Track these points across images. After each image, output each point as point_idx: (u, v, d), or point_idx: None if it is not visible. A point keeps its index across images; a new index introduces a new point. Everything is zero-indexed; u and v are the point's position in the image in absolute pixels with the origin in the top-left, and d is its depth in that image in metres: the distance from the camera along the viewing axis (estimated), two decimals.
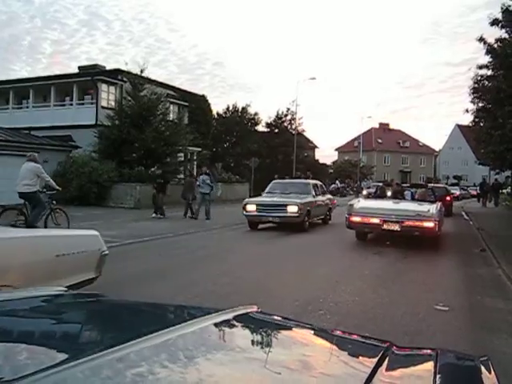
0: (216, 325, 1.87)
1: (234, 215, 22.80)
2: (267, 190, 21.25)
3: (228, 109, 55.63)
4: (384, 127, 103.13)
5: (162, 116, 31.53)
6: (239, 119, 54.39)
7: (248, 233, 18.57)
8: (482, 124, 27.87)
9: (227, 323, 1.93)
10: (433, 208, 14.79)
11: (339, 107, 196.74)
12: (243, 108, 55.37)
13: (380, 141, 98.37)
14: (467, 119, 30.61)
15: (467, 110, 25.79)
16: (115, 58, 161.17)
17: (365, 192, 32.31)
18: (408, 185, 20.61)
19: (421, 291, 9.14)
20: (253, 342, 1.86)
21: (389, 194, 17.71)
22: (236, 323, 1.97)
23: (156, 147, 29.07)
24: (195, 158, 39.36)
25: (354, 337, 2.10)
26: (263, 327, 2.08)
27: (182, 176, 33.35)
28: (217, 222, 20.97)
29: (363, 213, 14.96)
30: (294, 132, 54.66)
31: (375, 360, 1.59)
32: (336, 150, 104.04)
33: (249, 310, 2.14)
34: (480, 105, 25.11)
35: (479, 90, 23.62)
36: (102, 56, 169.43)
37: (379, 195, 17.61)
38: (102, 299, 2.45)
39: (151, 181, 24.52)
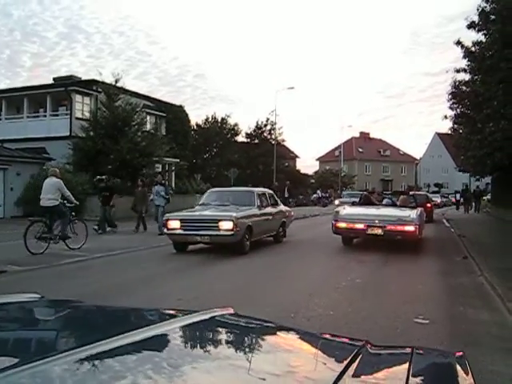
0: (190, 326, 1.87)
1: None
2: (201, 200, 17.16)
3: (207, 120, 55.45)
4: (365, 136, 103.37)
5: (138, 126, 30.94)
6: (219, 130, 54.31)
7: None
8: (461, 130, 27.60)
9: (202, 324, 1.93)
10: (413, 213, 15.60)
11: (320, 117, 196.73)
12: (223, 119, 55.27)
13: (361, 150, 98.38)
14: (447, 127, 30.29)
15: (446, 117, 25.54)
16: (96, 71, 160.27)
17: (337, 202, 32.23)
18: (390, 192, 22.06)
19: (400, 303, 8.58)
20: (228, 344, 1.87)
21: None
22: (211, 325, 1.98)
23: (131, 158, 28.45)
24: (173, 168, 38.76)
25: (330, 337, 2.09)
26: (238, 329, 2.10)
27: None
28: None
29: (348, 219, 15.83)
30: (273, 142, 54.26)
31: (348, 358, 1.58)
32: (317, 159, 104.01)
33: (224, 312, 2.16)
34: (458, 110, 24.82)
35: (457, 94, 23.30)
36: (83, 69, 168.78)
37: (363, 203, 18.16)
38: (76, 305, 2.43)
39: (97, 193, 22.62)
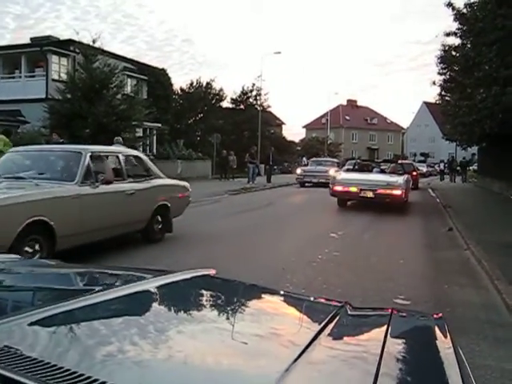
0: (170, 285, 1.89)
1: None
2: None
3: (192, 84, 54.05)
4: (352, 104, 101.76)
5: (117, 89, 29.68)
6: (203, 95, 52.94)
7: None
8: (448, 97, 26.75)
9: (183, 284, 1.97)
10: (400, 179, 17.62)
11: (307, 84, 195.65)
12: (207, 83, 53.81)
13: (348, 118, 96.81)
14: (434, 96, 29.45)
15: (434, 82, 24.82)
16: (82, 34, 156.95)
17: (299, 171, 32.54)
18: (381, 160, 24.69)
19: (380, 280, 7.85)
20: (209, 305, 1.89)
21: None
22: (192, 285, 2.04)
23: (108, 122, 27.31)
24: (154, 133, 37.88)
25: (312, 298, 2.17)
26: (220, 290, 2.11)
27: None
28: None
29: (344, 183, 17.79)
30: (259, 108, 53.20)
31: (326, 319, 1.60)
32: (304, 127, 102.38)
33: (206, 273, 2.20)
34: (447, 76, 23.97)
35: (447, 59, 22.44)
36: (69, 32, 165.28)
37: (357, 169, 20.46)
38: (51, 265, 2.44)
39: None
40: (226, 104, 56.93)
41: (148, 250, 9.83)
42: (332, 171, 28.18)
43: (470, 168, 52.38)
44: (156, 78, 40.05)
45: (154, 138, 38.05)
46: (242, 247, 10.51)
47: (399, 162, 24.94)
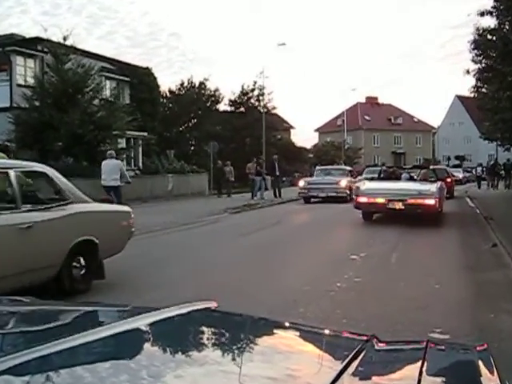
0: (164, 322, 1.90)
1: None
2: None
3: (182, 85, 54.18)
4: (372, 102, 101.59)
5: (93, 94, 29.87)
6: (196, 97, 53.06)
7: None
8: (486, 88, 26.55)
9: (179, 320, 1.98)
10: (433, 187, 17.99)
11: (318, 81, 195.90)
12: (201, 83, 53.97)
13: (368, 118, 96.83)
14: (469, 88, 28.99)
15: (468, 71, 24.54)
16: (52, 31, 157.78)
17: (301, 183, 30.95)
18: (409, 167, 25.11)
19: (411, 310, 7.64)
20: (212, 344, 1.89)
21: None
22: (191, 321, 2.07)
23: (84, 132, 27.29)
24: (140, 144, 37.93)
25: (331, 332, 2.20)
26: (224, 326, 2.13)
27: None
28: None
29: (369, 194, 18.15)
30: (262, 110, 53.17)
31: (350, 355, 1.60)
32: (316, 130, 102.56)
33: (206, 306, 2.21)
34: (483, 64, 23.80)
35: (482, 43, 22.26)
36: (36, 29, 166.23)
37: (383, 177, 20.94)
38: (30, 302, 2.43)
39: None
40: (223, 107, 57.02)
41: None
42: (344, 182, 28.62)
43: None
44: (140, 78, 40.13)
45: (140, 149, 38.08)
46: (244, 276, 10.27)
47: (431, 167, 25.47)
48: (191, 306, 2.12)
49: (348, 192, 27.81)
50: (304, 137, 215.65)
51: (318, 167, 35.80)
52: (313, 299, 8.23)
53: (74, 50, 29.75)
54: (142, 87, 39.89)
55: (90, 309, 2.45)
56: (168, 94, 52.98)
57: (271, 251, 13.41)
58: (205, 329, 2.09)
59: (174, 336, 1.90)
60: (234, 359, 1.67)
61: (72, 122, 27.19)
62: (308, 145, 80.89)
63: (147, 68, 42.52)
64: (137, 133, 36.02)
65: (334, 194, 28.14)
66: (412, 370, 1.58)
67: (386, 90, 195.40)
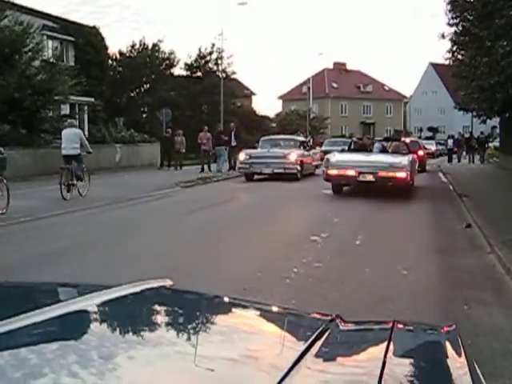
0: (116, 301, 1.90)
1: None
2: None
3: (134, 46, 53.37)
4: (340, 68, 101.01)
5: (32, 54, 29.05)
6: (149, 60, 52.40)
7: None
8: (462, 55, 26.34)
9: (132, 299, 1.99)
10: (405, 159, 18.66)
11: (282, 44, 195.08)
12: (154, 45, 53.30)
13: (335, 85, 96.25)
14: (444, 54, 28.73)
15: (443, 36, 24.30)
16: None
17: (242, 156, 27.44)
18: (381, 138, 25.82)
19: (375, 300, 7.32)
20: (167, 324, 1.91)
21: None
22: (144, 300, 2.09)
23: (22, 97, 26.52)
24: (85, 110, 37.37)
25: (294, 312, 2.41)
26: (180, 304, 2.17)
27: None
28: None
29: (339, 166, 18.82)
30: (221, 75, 52.60)
31: (313, 335, 1.64)
32: (279, 98, 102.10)
33: (160, 284, 2.24)
34: (460, 27, 23.56)
35: (458, 5, 21.99)
36: None
37: (354, 149, 21.62)
38: None
39: None
40: (178, 71, 56.36)
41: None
42: (294, 155, 25.96)
43: (490, 145, 52.39)
44: (86, 39, 39.46)
45: (86, 116, 37.54)
46: (188, 261, 9.80)
47: (403, 139, 26.10)
48: (145, 284, 2.13)
49: (299, 168, 26.04)
50: (267, 105, 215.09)
51: (263, 138, 31.21)
52: (266, 287, 7.87)
53: (11, 5, 28.85)
54: (88, 48, 39.17)
55: (38, 287, 2.46)
56: (118, 57, 52.23)
57: (221, 231, 13.11)
58: (159, 308, 2.11)
59: (126, 315, 1.91)
60: (190, 339, 1.69)
61: (8, 85, 26.47)
62: (271, 113, 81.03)
63: (94, 27, 41.71)
64: (82, 98, 35.51)
65: (280, 171, 25.73)
66: (377, 350, 1.62)
67: (355, 56, 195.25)
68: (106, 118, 38.87)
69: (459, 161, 45.29)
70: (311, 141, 47.96)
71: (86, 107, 37.52)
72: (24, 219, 14.21)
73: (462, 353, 1.61)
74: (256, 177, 26.54)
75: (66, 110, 33.93)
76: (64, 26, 38.53)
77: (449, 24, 23.94)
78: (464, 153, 47.21)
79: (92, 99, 36.96)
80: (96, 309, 1.85)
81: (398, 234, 12.76)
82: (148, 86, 52.91)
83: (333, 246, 11.02)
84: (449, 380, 1.48)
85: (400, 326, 1.88)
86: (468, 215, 15.06)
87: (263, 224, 13.93)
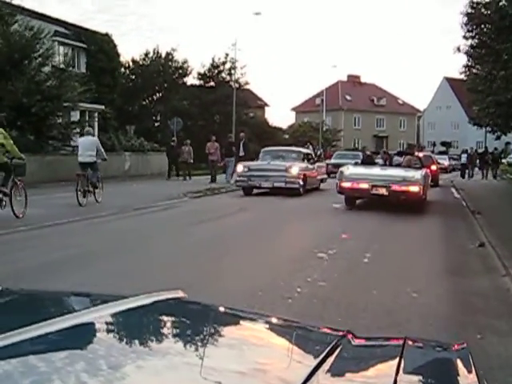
0: (126, 313, 1.90)
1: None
2: None
3: (147, 55, 53.06)
4: (354, 81, 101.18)
5: (42, 60, 28.78)
6: (162, 68, 52.08)
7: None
8: (477, 69, 25.81)
9: (142, 311, 1.98)
10: (418, 174, 18.79)
11: (297, 56, 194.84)
12: (168, 54, 52.96)
13: (349, 98, 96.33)
14: (459, 68, 28.36)
15: (458, 49, 23.83)
16: None
17: (240, 168, 25.43)
18: (395, 152, 25.07)
19: (382, 325, 6.83)
20: (176, 336, 1.92)
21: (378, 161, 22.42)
22: (154, 312, 2.08)
23: (30, 103, 26.25)
24: (96, 117, 37.04)
25: (304, 326, 2.28)
26: (190, 317, 2.18)
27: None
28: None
29: (353, 178, 19.03)
30: (234, 85, 52.28)
31: (324, 351, 1.64)
32: (293, 109, 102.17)
33: (172, 296, 2.22)
34: (476, 40, 23.05)
35: (475, 17, 21.48)
36: None
37: (367, 162, 21.89)
38: None
39: None
40: (191, 80, 56.04)
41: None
42: (296, 169, 24.01)
43: (504, 161, 51.80)
44: (98, 46, 39.26)
45: (96, 123, 37.06)
46: (187, 277, 9.31)
47: (416, 154, 26.68)
48: (157, 296, 2.13)
49: (301, 182, 24.10)
50: (280, 116, 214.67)
51: (264, 149, 28.47)
52: (266, 307, 7.33)
53: (22, 10, 28.60)
54: (100, 55, 39.01)
55: (51, 296, 2.45)
56: (131, 65, 51.98)
57: (226, 244, 12.71)
58: (170, 319, 2.12)
59: (137, 326, 1.93)
60: (199, 351, 1.68)
61: (16, 90, 26.26)
62: (284, 125, 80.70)
63: (107, 34, 41.51)
64: (92, 105, 35.20)
65: (281, 185, 23.68)
66: (388, 367, 1.62)
67: (369, 69, 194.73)
68: (116, 126, 38.61)
69: (471, 176, 44.56)
70: (322, 153, 47.60)
71: (96, 114, 37.20)
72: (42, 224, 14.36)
73: (473, 371, 1.61)
74: (256, 190, 25.15)
75: (75, 116, 33.65)
76: (76, 32, 38.43)
77: (465, 37, 23.40)
78: (476, 168, 46.46)
79: (102, 107, 36.66)
80: (108, 319, 1.84)
81: (408, 251, 12.24)
82: (161, 94, 52.56)
83: (340, 264, 10.52)
84: None
85: (411, 342, 1.89)
86: (481, 233, 14.55)
87: (269, 238, 13.51)
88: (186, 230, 14.74)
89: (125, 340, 1.76)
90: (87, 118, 35.99)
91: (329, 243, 12.42)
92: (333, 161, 38.92)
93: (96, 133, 36.20)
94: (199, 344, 1.78)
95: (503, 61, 19.01)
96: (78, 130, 32.49)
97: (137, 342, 1.74)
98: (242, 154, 31.08)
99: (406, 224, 16.09)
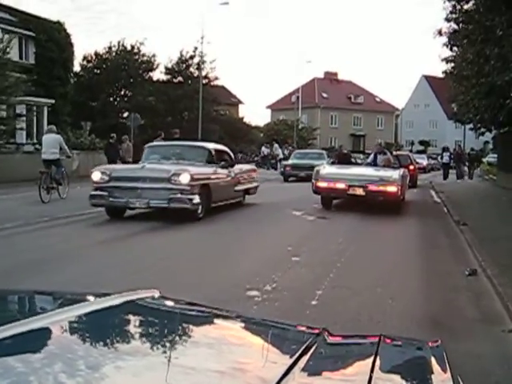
0: (101, 312, 1.90)
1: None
2: None
3: (111, 48, 49.86)
4: (331, 78, 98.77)
5: None
6: (127, 62, 48.91)
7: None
8: (464, 47, 22.72)
9: (118, 310, 1.99)
10: (396, 174, 18.10)
11: (272, 52, 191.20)
12: (132, 46, 49.90)
13: (325, 95, 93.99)
14: (441, 51, 26.19)
15: (440, 32, 21.25)
16: None
17: (96, 176, 15.00)
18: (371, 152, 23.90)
19: None
20: (152, 335, 1.91)
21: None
22: (130, 310, 2.07)
23: None
24: (44, 112, 34.23)
25: (279, 325, 2.30)
26: (165, 315, 2.22)
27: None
28: None
29: (329, 178, 18.25)
30: (200, 79, 49.80)
31: (299, 350, 1.67)
32: (268, 107, 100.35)
33: (148, 295, 2.23)
34: (461, 18, 20.19)
35: None
36: None
37: (342, 162, 21.02)
38: None
39: None
40: (159, 75, 53.70)
41: None
42: (186, 176, 14.66)
43: (484, 160, 49.89)
44: (48, 34, 36.12)
45: (45, 118, 34.29)
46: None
47: (394, 153, 26.74)
48: (133, 295, 2.13)
49: (197, 198, 14.96)
50: (256, 114, 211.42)
51: (150, 144, 19.46)
52: None
53: None
54: (50, 45, 35.86)
55: (27, 295, 2.43)
56: (94, 58, 49.10)
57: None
58: (147, 318, 2.12)
59: (114, 326, 1.92)
60: (178, 351, 1.68)
61: None
62: (261, 123, 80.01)
63: (58, 22, 38.21)
64: (39, 99, 32.63)
65: (161, 204, 15.02)
66: (364, 365, 1.64)
67: (347, 66, 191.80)
68: (70, 122, 35.73)
69: (460, 178, 39.87)
70: (289, 153, 44.30)
71: (45, 109, 34.44)
72: None
73: (448, 369, 1.66)
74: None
75: (22, 110, 31.47)
76: (24, 19, 35.37)
77: (447, 19, 20.83)
78: (465, 168, 42.53)
79: (52, 101, 33.78)
80: (83, 319, 1.80)
81: (374, 286, 8.77)
82: (126, 90, 49.62)
83: (279, 308, 7.24)
84: None
85: (387, 340, 1.93)
86: (470, 254, 11.41)
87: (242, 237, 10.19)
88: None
89: (101, 339, 1.69)
90: (35, 112, 33.59)
91: (272, 272, 9.16)
92: (290, 162, 35.43)
93: (44, 127, 33.62)
94: (178, 343, 1.77)
95: (497, 38, 16.03)
96: (22, 125, 29.83)
97: (113, 341, 1.71)
98: None
99: (377, 242, 12.87)
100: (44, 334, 1.58)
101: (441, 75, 32.03)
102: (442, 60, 26.82)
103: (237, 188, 18.45)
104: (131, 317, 2.03)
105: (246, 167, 21.57)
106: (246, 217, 16.98)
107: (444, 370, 1.63)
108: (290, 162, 35.57)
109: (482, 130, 31.63)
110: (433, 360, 1.71)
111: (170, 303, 2.24)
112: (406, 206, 19.51)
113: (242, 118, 67.80)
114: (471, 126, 33.62)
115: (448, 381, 1.56)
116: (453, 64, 27.99)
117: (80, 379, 1.32)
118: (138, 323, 2.03)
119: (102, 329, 1.82)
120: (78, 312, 1.77)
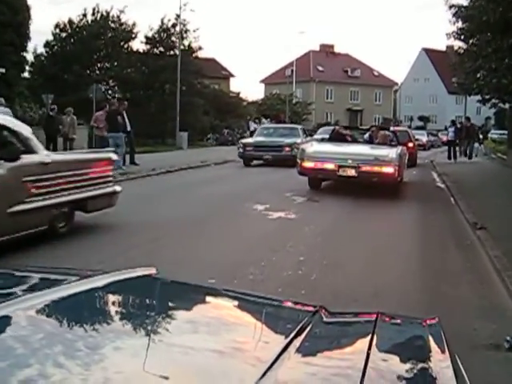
0: (98, 290, 1.91)
1: None
2: None
3: (85, 15, 46.34)
4: (327, 50, 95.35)
5: None
6: (103, 30, 45.25)
7: None
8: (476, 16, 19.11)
9: (114, 288, 1.98)
10: (393, 152, 16.79)
11: (267, 24, 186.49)
12: (108, 13, 46.66)
13: (321, 68, 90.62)
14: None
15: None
16: None
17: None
18: (366, 127, 23.50)
19: None
20: (150, 314, 1.90)
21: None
22: (126, 289, 2.05)
23: None
24: None
25: (277, 303, 2.28)
26: (163, 294, 2.15)
27: None
28: None
29: (317, 157, 16.96)
30: (179, 48, 46.04)
31: (297, 328, 1.64)
32: (262, 81, 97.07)
33: (145, 273, 2.21)
34: None
35: None
36: None
37: (335, 139, 19.28)
38: None
39: None
40: (138, 45, 50.67)
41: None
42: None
43: (489, 136, 46.47)
44: None
45: None
46: None
47: (391, 128, 24.75)
48: (130, 273, 2.11)
49: None
50: (250, 89, 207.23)
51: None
52: None
53: None
54: (1, 7, 31.66)
55: (22, 274, 2.35)
56: (68, 26, 45.64)
57: None
58: (144, 297, 2.06)
59: (111, 305, 1.92)
60: (175, 331, 1.67)
61: None
62: (255, 98, 77.18)
63: None
64: None
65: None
66: (361, 343, 1.61)
67: (343, 39, 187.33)
68: (27, 95, 32.37)
69: (470, 157, 34.02)
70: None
71: None
72: None
73: (445, 346, 1.63)
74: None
75: None
76: None
77: None
78: (475, 144, 35.80)
79: (2, 69, 29.83)
80: (79, 297, 1.76)
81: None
82: (103, 61, 46.21)
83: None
84: (432, 371, 1.49)
85: (384, 318, 1.90)
86: (499, 283, 7.23)
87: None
88: None
89: (98, 318, 1.68)
90: None
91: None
92: (253, 140, 28.20)
93: None
94: (175, 323, 1.73)
95: None
96: None
97: (110, 319, 1.71)
98: (129, 128, 22.75)
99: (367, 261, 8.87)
100: (39, 312, 1.55)
101: (441, 48, 28.02)
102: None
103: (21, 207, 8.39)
104: (128, 296, 1.97)
105: (71, 157, 11.60)
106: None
107: (441, 348, 1.60)
108: (251, 139, 28.72)
109: (494, 101, 27.39)
110: (430, 338, 1.69)
111: (166, 282, 2.23)
112: (403, 195, 16.96)
113: (232, 92, 64.48)
114: (478, 97, 29.46)
115: (446, 357, 1.53)
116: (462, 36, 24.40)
117: (78, 361, 1.27)
118: (134, 302, 1.96)
119: (97, 308, 1.79)
120: (76, 289, 1.73)
